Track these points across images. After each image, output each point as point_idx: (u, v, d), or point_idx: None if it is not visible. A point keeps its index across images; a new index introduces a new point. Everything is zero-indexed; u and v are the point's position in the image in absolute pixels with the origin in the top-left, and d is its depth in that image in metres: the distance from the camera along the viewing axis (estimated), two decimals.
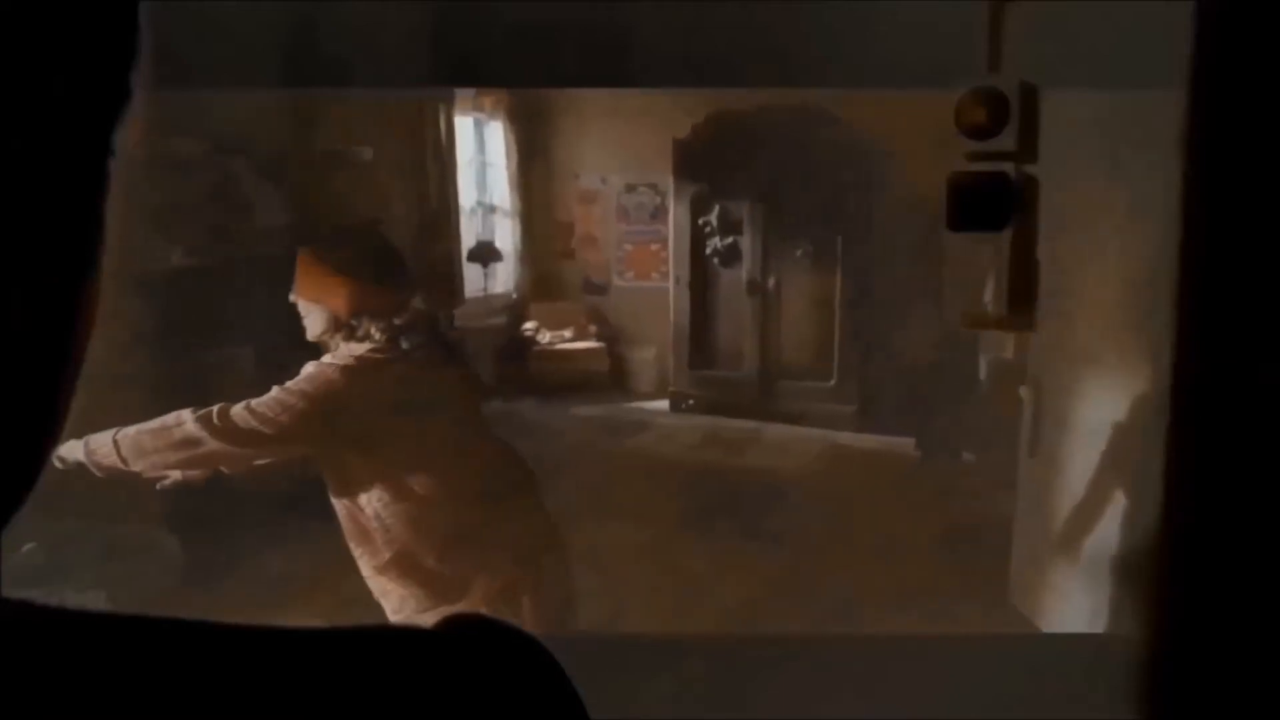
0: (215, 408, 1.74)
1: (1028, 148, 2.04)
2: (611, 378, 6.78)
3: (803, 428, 5.79)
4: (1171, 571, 0.35)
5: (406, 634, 0.38)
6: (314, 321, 1.85)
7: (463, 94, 6.11)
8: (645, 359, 6.85)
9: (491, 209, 6.83)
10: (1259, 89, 0.32)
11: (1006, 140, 2.01)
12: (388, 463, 1.82)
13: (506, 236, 6.92)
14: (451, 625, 0.39)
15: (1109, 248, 2.66)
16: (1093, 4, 2.17)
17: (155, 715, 0.31)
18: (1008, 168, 2.03)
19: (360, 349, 1.80)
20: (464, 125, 6.33)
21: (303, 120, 4.44)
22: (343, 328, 1.83)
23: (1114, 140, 2.55)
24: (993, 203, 2.01)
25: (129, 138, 0.33)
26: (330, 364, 1.79)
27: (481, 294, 6.36)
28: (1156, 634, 0.36)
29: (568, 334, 6.86)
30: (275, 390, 1.76)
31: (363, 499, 1.83)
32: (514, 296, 6.98)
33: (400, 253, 2.01)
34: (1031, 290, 2.14)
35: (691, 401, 6.29)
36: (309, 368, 1.80)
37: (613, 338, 6.97)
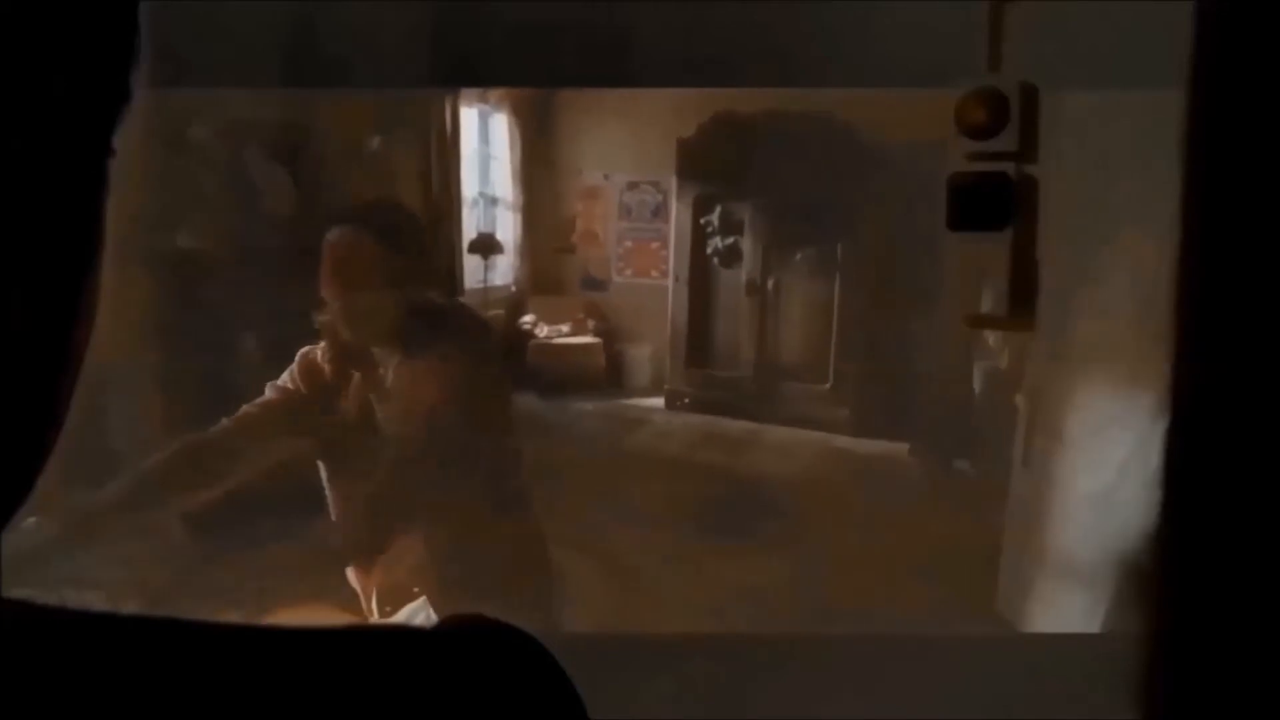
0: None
1: (1028, 148, 2.04)
2: (608, 373, 6.81)
3: (798, 430, 5.81)
4: (1171, 572, 0.35)
5: (406, 634, 0.38)
6: (374, 313, 1.66)
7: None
8: (642, 356, 6.88)
9: (493, 201, 6.84)
10: (1259, 89, 0.32)
11: (1007, 140, 2.01)
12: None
13: (508, 229, 6.93)
14: (451, 625, 0.39)
15: (1105, 256, 2.66)
16: (1093, 4, 2.17)
17: (155, 715, 0.31)
18: (1008, 168, 2.03)
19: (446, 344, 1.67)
20: (468, 117, 6.34)
21: (313, 108, 4.43)
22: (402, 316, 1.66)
23: (1111, 143, 2.55)
24: (993, 203, 2.01)
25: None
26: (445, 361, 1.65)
27: (481, 286, 6.37)
28: (1156, 634, 0.36)
29: (565, 329, 6.88)
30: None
31: None
32: (513, 289, 7.00)
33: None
34: (1032, 290, 2.14)
35: (687, 400, 6.32)
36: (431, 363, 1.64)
37: (610, 334, 6.99)
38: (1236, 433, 0.33)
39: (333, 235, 1.66)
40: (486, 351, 1.86)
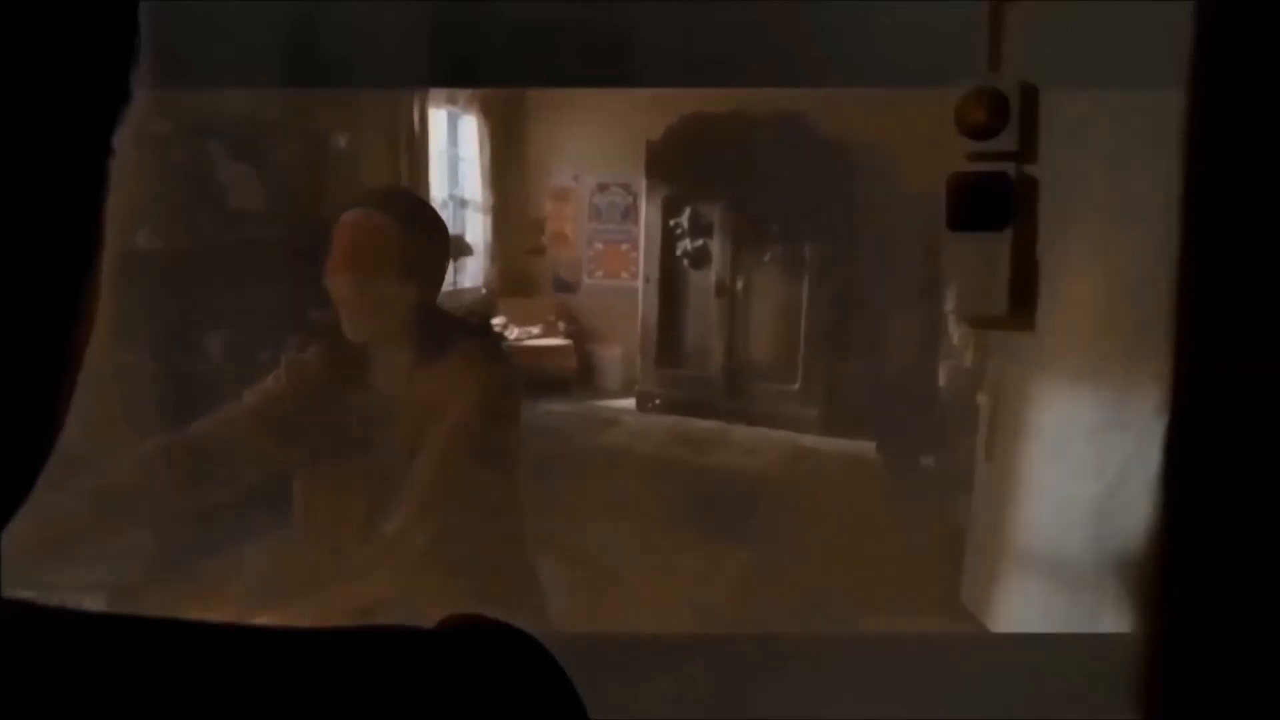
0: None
1: (1028, 148, 2.04)
2: (579, 375, 6.85)
3: (768, 429, 5.90)
4: (1171, 572, 0.36)
5: (406, 634, 0.38)
6: (390, 307, 1.51)
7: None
8: (613, 357, 6.95)
9: (463, 203, 6.87)
10: (1259, 89, 0.32)
11: (1007, 140, 2.01)
12: None
13: (477, 231, 6.96)
14: (451, 625, 0.39)
15: (1067, 257, 2.66)
16: (1093, 4, 2.17)
17: (155, 715, 0.31)
18: (1008, 168, 2.03)
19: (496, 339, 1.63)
20: (437, 118, 6.35)
21: (280, 106, 4.40)
22: (424, 313, 1.55)
23: (1111, 143, 2.55)
24: (993, 203, 2.02)
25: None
26: (496, 358, 1.59)
27: (451, 288, 6.35)
28: (1155, 634, 0.36)
29: (536, 330, 6.92)
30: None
31: None
32: (483, 291, 7.00)
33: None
34: (1032, 290, 2.14)
35: (658, 401, 6.39)
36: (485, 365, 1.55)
37: (581, 335, 7.04)
38: (1236, 433, 0.33)
39: (350, 217, 1.52)
40: (502, 356, 1.78)
